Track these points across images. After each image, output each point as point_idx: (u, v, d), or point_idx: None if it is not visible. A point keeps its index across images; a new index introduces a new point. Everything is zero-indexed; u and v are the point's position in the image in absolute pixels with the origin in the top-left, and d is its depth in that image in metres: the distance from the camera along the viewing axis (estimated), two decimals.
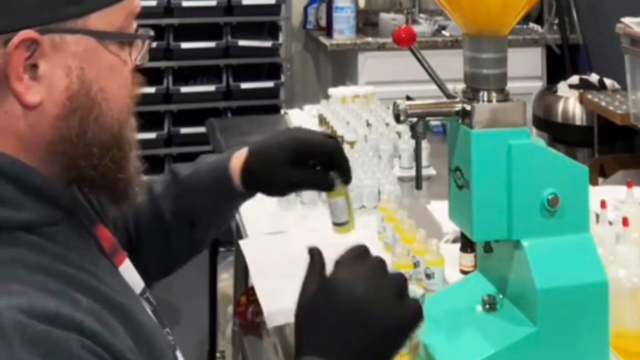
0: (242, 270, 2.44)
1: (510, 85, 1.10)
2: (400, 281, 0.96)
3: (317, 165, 1.21)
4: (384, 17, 4.40)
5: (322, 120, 2.53)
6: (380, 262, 0.97)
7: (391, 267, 1.40)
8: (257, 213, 1.87)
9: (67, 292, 0.82)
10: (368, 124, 2.35)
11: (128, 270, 1.01)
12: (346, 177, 1.21)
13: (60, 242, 0.87)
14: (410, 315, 0.95)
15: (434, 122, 2.36)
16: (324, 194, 1.39)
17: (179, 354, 1.02)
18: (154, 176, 1.29)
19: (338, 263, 0.97)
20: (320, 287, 0.95)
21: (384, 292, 0.93)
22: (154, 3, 4.10)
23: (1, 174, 0.85)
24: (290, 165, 1.19)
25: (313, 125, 2.53)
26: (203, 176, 1.23)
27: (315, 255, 0.98)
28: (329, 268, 0.97)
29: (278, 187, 1.24)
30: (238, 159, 1.23)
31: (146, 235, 1.24)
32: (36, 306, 0.78)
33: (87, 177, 0.91)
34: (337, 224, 1.24)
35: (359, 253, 0.98)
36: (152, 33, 0.95)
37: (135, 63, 0.94)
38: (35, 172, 0.87)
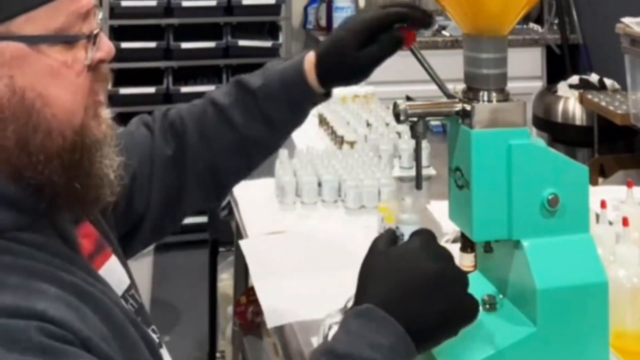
0: (242, 270, 2.43)
1: (510, 85, 1.10)
2: (467, 279, 0.99)
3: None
4: None
5: (322, 120, 2.53)
6: (451, 255, 1.00)
7: None
8: (257, 213, 1.87)
9: (29, 284, 0.81)
10: (368, 124, 2.35)
11: (110, 270, 0.98)
12: (427, 21, 1.15)
13: (28, 244, 0.86)
14: (472, 308, 0.98)
15: (434, 122, 2.36)
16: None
17: (164, 352, 1.00)
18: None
19: (415, 235, 1.01)
20: (401, 250, 0.99)
21: (458, 276, 0.97)
22: (154, 3, 4.08)
23: None
24: (364, 48, 1.16)
25: (313, 124, 2.53)
26: (278, 86, 1.19)
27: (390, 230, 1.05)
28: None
29: (357, 73, 1.21)
30: (310, 60, 1.19)
31: (216, 145, 1.20)
32: None
33: (35, 185, 0.87)
34: None
35: (433, 236, 1.02)
36: (96, 31, 0.89)
37: (88, 63, 0.88)
38: None
